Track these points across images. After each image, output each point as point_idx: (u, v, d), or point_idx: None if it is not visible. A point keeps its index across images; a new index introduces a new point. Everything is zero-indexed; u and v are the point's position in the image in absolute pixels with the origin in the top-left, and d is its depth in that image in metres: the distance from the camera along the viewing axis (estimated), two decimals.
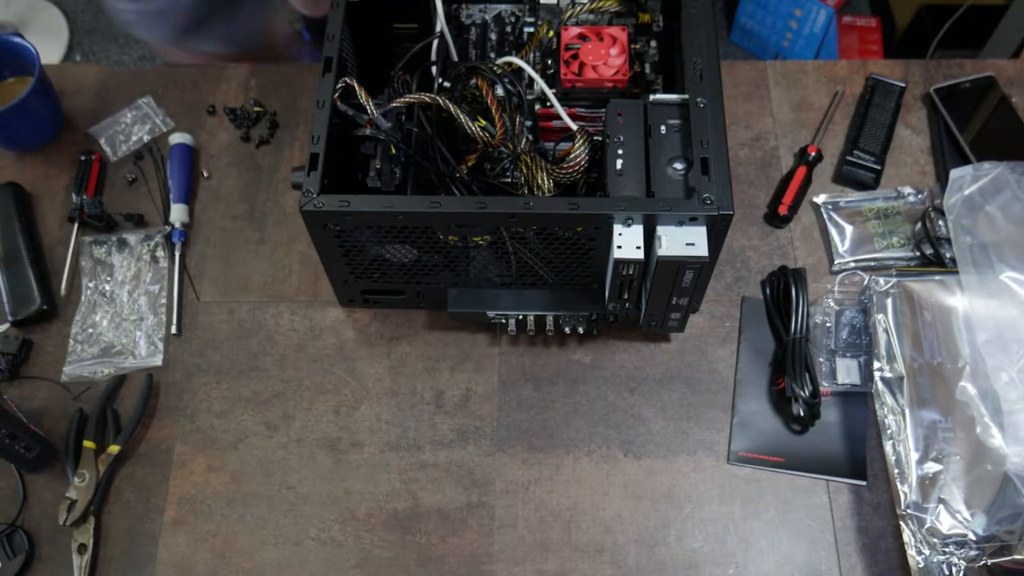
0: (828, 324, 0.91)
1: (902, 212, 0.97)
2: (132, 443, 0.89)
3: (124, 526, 0.86)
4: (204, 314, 0.96)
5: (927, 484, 0.80)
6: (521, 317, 0.87)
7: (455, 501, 0.86)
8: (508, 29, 0.96)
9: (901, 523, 0.80)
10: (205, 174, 1.03)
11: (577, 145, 0.83)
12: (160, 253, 0.98)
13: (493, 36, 0.96)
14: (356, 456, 0.88)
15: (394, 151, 0.82)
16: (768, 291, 0.94)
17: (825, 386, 0.89)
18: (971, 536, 0.77)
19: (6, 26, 2.12)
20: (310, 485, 0.87)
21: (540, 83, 0.87)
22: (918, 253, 0.94)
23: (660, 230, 0.76)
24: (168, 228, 0.99)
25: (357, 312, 0.95)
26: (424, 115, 0.85)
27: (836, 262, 0.95)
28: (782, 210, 0.97)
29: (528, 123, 0.88)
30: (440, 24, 0.89)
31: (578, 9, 0.91)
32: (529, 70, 0.87)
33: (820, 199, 0.99)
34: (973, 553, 0.77)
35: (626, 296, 0.82)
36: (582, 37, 0.89)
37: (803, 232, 0.98)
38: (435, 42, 0.89)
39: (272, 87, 1.08)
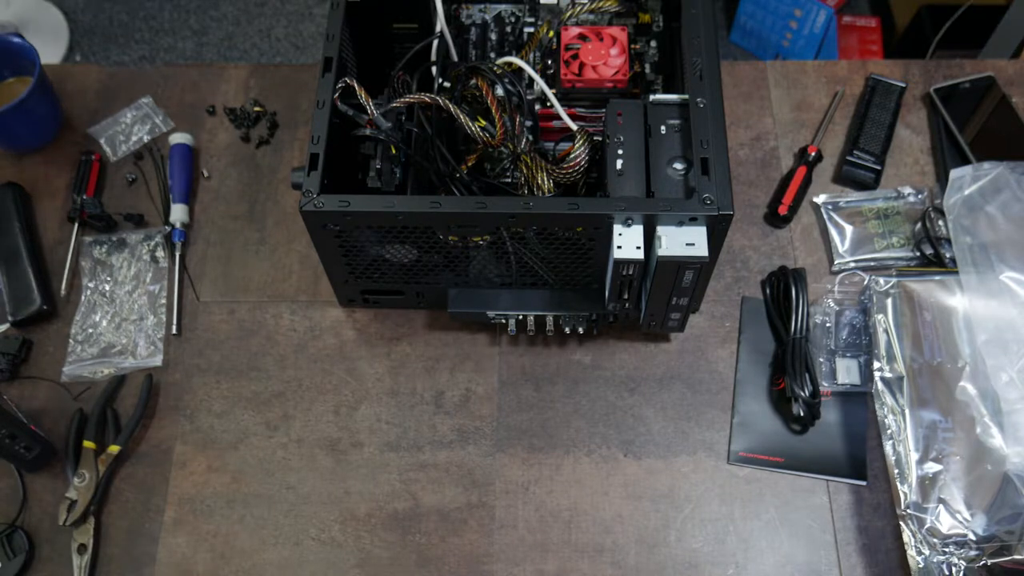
0: (828, 324, 0.91)
1: (902, 212, 0.97)
2: (132, 443, 0.89)
3: (124, 526, 0.86)
4: (204, 314, 0.96)
5: (927, 484, 0.80)
6: (521, 317, 0.87)
7: (455, 501, 0.86)
8: (508, 29, 0.96)
9: (901, 523, 0.80)
10: (205, 174, 1.03)
11: (577, 145, 0.83)
12: (160, 253, 0.98)
13: (493, 36, 0.96)
14: (356, 456, 0.88)
15: (394, 151, 0.82)
16: (768, 291, 0.94)
17: (825, 386, 0.89)
18: (971, 536, 0.78)
19: (6, 26, 2.11)
20: (310, 485, 0.87)
21: (540, 83, 0.87)
22: (918, 253, 0.94)
23: (660, 230, 0.76)
24: (168, 228, 0.99)
25: (357, 312, 0.95)
26: (424, 115, 0.85)
27: (836, 262, 0.95)
28: (782, 210, 0.97)
29: (528, 123, 0.87)
30: (440, 24, 0.89)
31: (578, 9, 0.91)
32: (529, 70, 0.87)
33: (820, 199, 0.99)
34: (973, 553, 0.77)
35: (626, 296, 0.82)
36: (582, 37, 0.89)
37: (803, 232, 0.98)
38: (435, 42, 0.89)
39: (272, 87, 1.08)
